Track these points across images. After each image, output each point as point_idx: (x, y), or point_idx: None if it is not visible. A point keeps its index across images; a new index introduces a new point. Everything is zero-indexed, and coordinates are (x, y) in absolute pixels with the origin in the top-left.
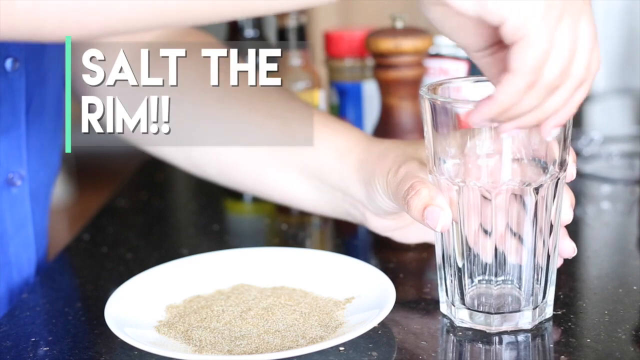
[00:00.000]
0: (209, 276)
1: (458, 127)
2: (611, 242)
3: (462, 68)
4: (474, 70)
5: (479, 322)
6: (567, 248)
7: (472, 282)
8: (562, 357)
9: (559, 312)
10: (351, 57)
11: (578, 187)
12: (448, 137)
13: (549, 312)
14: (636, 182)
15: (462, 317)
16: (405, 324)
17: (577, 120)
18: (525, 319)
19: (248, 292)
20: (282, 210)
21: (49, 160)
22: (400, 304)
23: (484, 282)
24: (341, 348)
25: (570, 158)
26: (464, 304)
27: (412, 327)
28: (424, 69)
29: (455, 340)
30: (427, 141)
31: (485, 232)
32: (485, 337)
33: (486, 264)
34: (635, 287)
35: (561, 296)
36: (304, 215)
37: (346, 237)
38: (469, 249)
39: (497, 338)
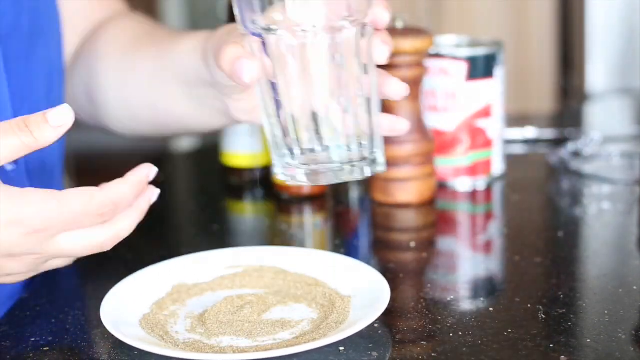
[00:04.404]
0: (209, 275)
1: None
2: (611, 242)
3: (462, 68)
4: (473, 70)
5: (319, 178)
6: (395, 88)
7: (300, 144)
8: (562, 357)
9: (559, 312)
10: None
11: (578, 187)
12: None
13: (380, 168)
14: (636, 182)
15: (300, 178)
16: (405, 323)
17: (577, 120)
18: (357, 172)
19: (247, 291)
20: (282, 210)
21: None
22: (400, 303)
23: (313, 147)
24: (341, 348)
25: (381, 6)
26: (295, 164)
27: (412, 327)
28: (424, 69)
29: (455, 340)
30: (235, 5)
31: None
32: (485, 337)
33: (312, 127)
34: (635, 287)
35: (561, 296)
36: (303, 215)
37: (346, 237)
38: (289, 112)
39: (497, 338)
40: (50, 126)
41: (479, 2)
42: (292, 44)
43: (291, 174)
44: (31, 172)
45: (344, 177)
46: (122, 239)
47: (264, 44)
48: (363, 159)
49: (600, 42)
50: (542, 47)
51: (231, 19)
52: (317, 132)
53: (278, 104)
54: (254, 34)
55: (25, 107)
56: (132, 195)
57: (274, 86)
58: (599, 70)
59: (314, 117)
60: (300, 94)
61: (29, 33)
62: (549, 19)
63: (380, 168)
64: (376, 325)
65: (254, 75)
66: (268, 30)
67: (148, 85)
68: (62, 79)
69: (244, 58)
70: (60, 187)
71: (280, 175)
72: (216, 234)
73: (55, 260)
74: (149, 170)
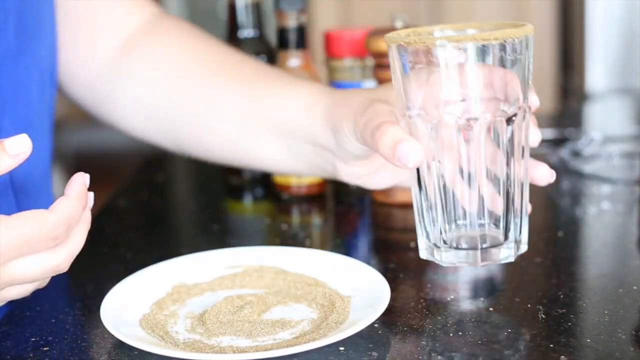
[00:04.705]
0: (208, 275)
1: (429, 65)
2: (611, 242)
3: None
4: None
5: (463, 260)
6: (543, 174)
7: (452, 224)
8: (562, 357)
9: (559, 312)
10: (351, 57)
11: (578, 187)
12: (418, 79)
13: (524, 247)
14: (636, 182)
15: (446, 258)
16: (405, 323)
17: (577, 120)
18: (506, 254)
19: (247, 291)
20: (282, 210)
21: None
22: (400, 303)
23: (464, 225)
24: (341, 348)
25: (532, 90)
26: (446, 244)
27: (412, 327)
28: None
29: (455, 340)
30: (397, 86)
31: (463, 175)
32: (485, 337)
33: (468, 207)
34: (635, 287)
35: (561, 296)
36: (303, 215)
37: (346, 237)
38: (447, 190)
39: (497, 338)
40: (7, 155)
41: (479, 2)
42: (458, 128)
43: (438, 254)
44: (16, 185)
45: (493, 258)
46: (76, 255)
47: (429, 128)
48: (514, 241)
49: (600, 42)
50: (542, 47)
51: (231, 19)
52: (472, 212)
53: (434, 184)
54: (418, 118)
55: (8, 112)
56: (81, 209)
57: (428, 166)
58: (599, 70)
59: (471, 198)
60: (461, 176)
61: (14, 36)
62: (549, 19)
63: (525, 248)
64: (376, 325)
65: (419, 161)
66: (434, 115)
67: (235, 128)
68: (55, 84)
69: (407, 142)
70: (49, 198)
71: (423, 251)
72: (216, 234)
73: (10, 289)
74: (84, 178)
